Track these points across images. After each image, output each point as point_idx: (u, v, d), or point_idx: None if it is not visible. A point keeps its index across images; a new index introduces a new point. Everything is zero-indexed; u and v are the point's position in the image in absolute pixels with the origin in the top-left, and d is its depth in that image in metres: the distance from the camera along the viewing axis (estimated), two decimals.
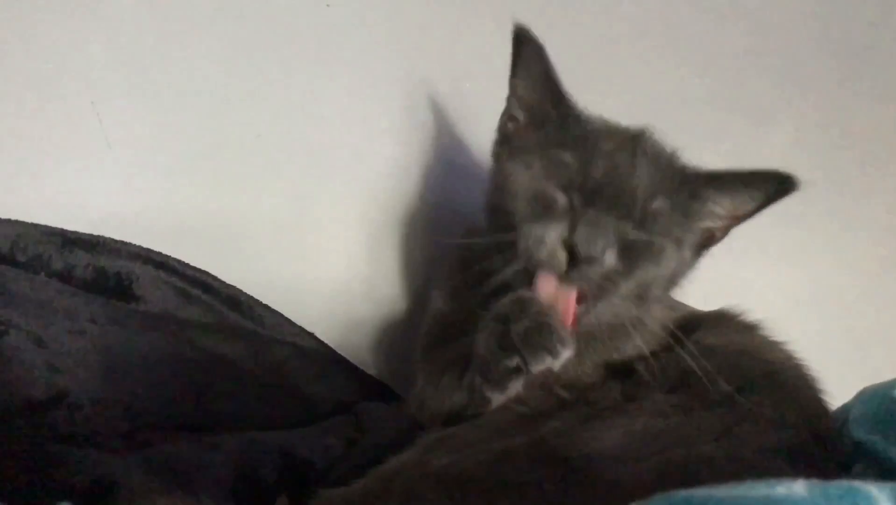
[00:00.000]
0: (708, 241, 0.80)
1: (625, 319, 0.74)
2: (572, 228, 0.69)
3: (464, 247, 0.84)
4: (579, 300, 0.70)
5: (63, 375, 0.70)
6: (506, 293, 0.71)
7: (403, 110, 1.06)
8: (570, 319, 0.69)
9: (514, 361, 0.66)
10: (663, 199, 0.74)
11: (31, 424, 0.67)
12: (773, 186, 0.75)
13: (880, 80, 1.51)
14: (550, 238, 0.69)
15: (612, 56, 1.23)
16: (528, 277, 0.71)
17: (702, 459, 0.61)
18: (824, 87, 1.47)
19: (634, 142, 0.77)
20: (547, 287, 0.69)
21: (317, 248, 1.03)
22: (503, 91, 0.85)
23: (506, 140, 0.85)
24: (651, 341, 0.76)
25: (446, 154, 1.11)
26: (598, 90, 1.19)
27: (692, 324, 0.81)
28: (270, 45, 0.95)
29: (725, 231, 0.80)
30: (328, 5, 0.98)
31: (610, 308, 0.73)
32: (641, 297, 0.74)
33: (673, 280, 0.78)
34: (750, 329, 0.81)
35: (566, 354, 0.66)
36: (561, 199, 0.73)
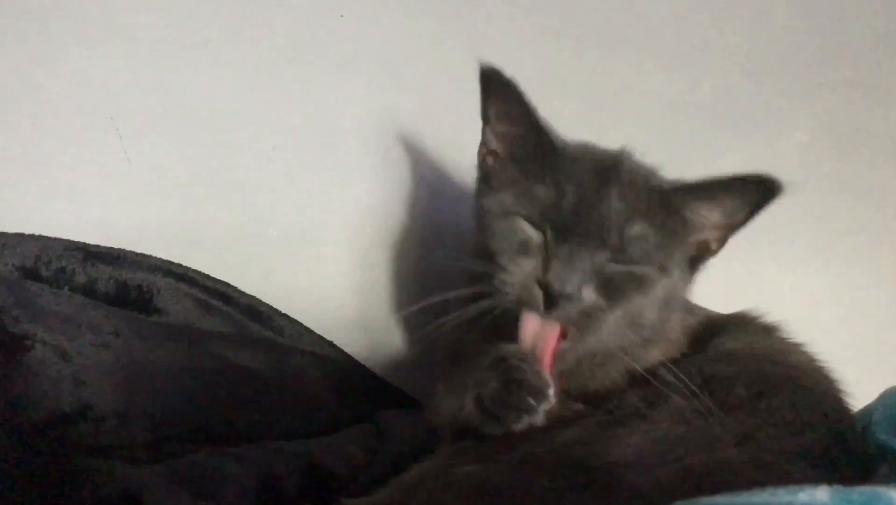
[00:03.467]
0: (704, 253, 0.77)
1: (615, 348, 0.72)
2: (546, 267, 0.69)
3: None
4: (564, 334, 0.70)
5: (88, 387, 0.71)
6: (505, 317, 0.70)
7: (419, 117, 1.07)
8: (548, 361, 0.68)
9: (494, 427, 0.66)
10: (642, 223, 0.72)
11: (58, 437, 0.68)
12: (759, 190, 0.72)
13: (894, 80, 1.50)
14: (525, 278, 0.69)
15: (619, 62, 1.22)
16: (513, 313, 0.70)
17: (723, 464, 0.60)
18: (837, 89, 1.45)
19: (608, 168, 0.74)
20: (530, 325, 0.69)
21: (334, 257, 1.03)
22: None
23: (486, 176, 0.83)
24: (671, 348, 0.77)
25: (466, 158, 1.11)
26: (605, 97, 1.19)
27: (712, 328, 0.81)
28: (285, 57, 0.96)
29: (721, 242, 0.77)
30: (342, 16, 0.99)
31: (598, 341, 0.71)
32: (635, 324, 0.72)
33: (668, 302, 0.75)
34: (770, 331, 0.81)
35: (544, 406, 0.65)
36: (535, 235, 0.72)
